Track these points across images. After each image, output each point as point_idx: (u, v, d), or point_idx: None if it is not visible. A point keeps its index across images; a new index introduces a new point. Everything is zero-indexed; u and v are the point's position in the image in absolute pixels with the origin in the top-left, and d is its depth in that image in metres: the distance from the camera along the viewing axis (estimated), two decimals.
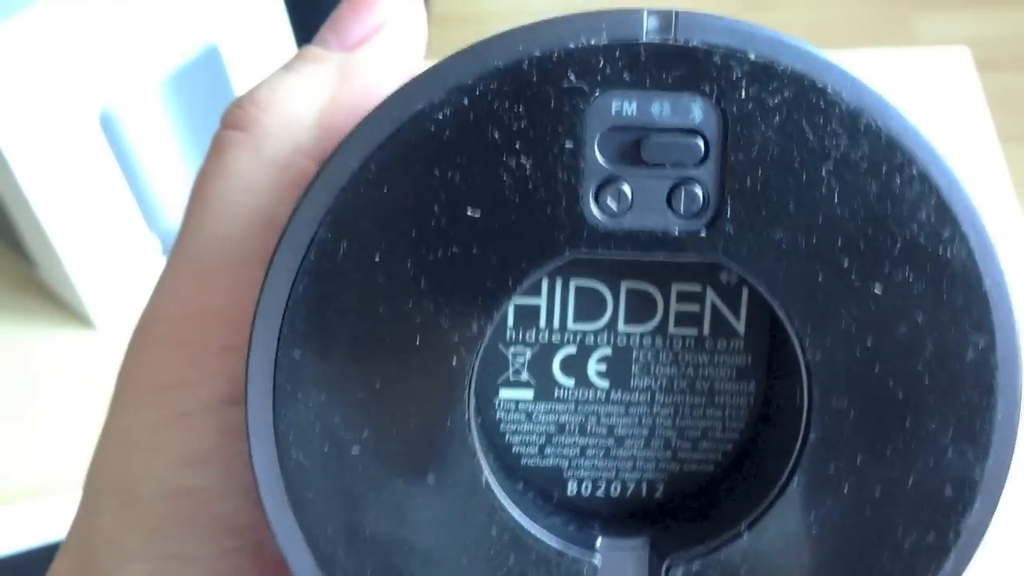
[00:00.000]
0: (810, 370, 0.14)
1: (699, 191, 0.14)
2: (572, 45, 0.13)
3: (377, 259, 0.14)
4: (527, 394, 0.16)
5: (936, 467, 0.14)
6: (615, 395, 0.16)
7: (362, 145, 0.14)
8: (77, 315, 0.49)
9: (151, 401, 0.16)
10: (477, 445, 0.14)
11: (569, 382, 0.16)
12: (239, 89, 0.46)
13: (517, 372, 0.16)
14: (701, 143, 0.14)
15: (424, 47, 0.17)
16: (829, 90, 0.13)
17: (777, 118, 0.14)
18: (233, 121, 0.17)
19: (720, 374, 0.16)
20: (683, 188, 0.14)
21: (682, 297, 0.16)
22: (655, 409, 0.16)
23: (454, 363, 0.14)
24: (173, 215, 0.48)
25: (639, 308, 0.16)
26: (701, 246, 0.14)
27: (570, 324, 0.16)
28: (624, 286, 0.16)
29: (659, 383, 0.16)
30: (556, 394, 0.16)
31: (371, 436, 0.14)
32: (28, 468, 0.45)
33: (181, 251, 0.17)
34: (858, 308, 0.14)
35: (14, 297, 0.50)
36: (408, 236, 0.14)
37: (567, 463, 0.16)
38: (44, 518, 0.44)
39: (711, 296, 0.16)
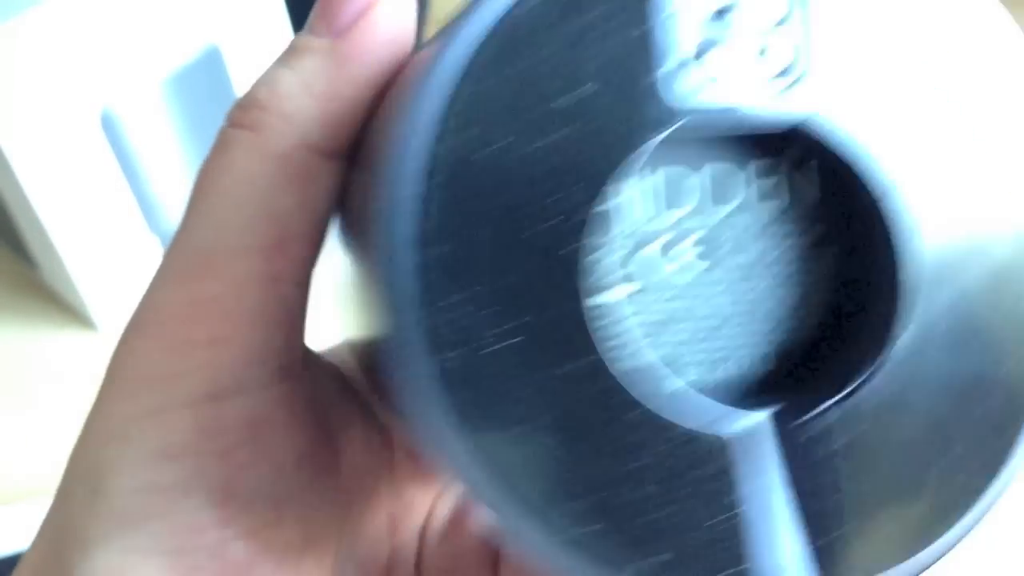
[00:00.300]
0: (895, 230, 0.15)
1: (785, 53, 0.15)
2: None
3: (492, 151, 0.14)
4: (633, 287, 0.16)
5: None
6: (714, 275, 0.16)
7: (465, 43, 0.14)
8: (79, 316, 0.49)
9: (131, 391, 0.16)
10: (595, 335, 0.14)
11: (670, 268, 0.16)
12: (240, 90, 0.46)
13: (621, 265, 0.16)
14: (785, 3, 0.15)
15: (415, 29, 0.17)
16: None
17: None
18: (237, 121, 0.17)
19: (804, 243, 0.16)
20: (769, 52, 0.15)
21: (761, 172, 0.16)
22: (753, 283, 0.16)
23: (569, 251, 0.14)
24: (174, 216, 0.48)
25: (724, 187, 0.16)
26: (790, 110, 0.15)
27: (663, 211, 0.16)
28: (708, 167, 0.16)
29: (752, 258, 0.16)
30: (660, 282, 0.16)
31: (502, 329, 0.14)
32: (29, 468, 0.45)
33: (179, 241, 0.17)
34: (950, 167, 0.15)
35: (16, 298, 0.51)
36: (515, 125, 0.14)
37: (679, 350, 0.16)
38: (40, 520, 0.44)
39: (786, 168, 0.16)
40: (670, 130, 0.14)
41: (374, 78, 0.17)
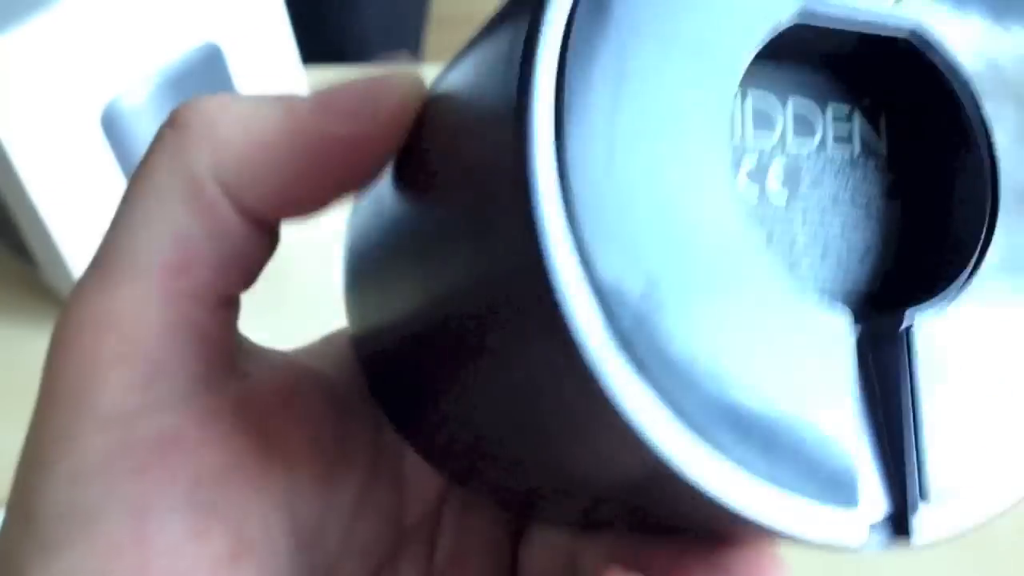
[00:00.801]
0: (991, 144, 0.15)
1: None
2: None
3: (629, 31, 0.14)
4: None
5: None
6: (793, 205, 0.16)
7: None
8: None
9: (47, 414, 0.16)
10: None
11: (752, 192, 0.16)
12: (240, 88, 0.46)
13: None
14: None
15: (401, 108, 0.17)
16: None
17: None
18: (172, 118, 0.17)
19: (874, 191, 0.17)
20: None
21: (835, 117, 0.17)
22: (826, 219, 0.16)
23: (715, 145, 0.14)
24: None
25: (805, 123, 0.17)
26: (903, 17, 0.15)
27: (749, 136, 0.16)
28: (791, 100, 0.17)
29: (826, 195, 0.16)
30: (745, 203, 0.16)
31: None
32: None
33: (96, 253, 0.17)
34: None
35: (16, 298, 0.51)
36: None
37: None
38: None
39: (857, 119, 0.17)
40: (794, 11, 0.14)
41: (321, 146, 0.16)
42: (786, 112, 0.17)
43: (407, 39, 0.80)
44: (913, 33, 0.15)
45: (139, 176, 0.17)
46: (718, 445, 0.12)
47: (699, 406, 0.12)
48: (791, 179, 0.16)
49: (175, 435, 0.16)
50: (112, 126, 0.43)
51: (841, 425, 0.13)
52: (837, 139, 0.17)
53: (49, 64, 0.40)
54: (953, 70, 0.15)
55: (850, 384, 0.14)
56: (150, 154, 0.17)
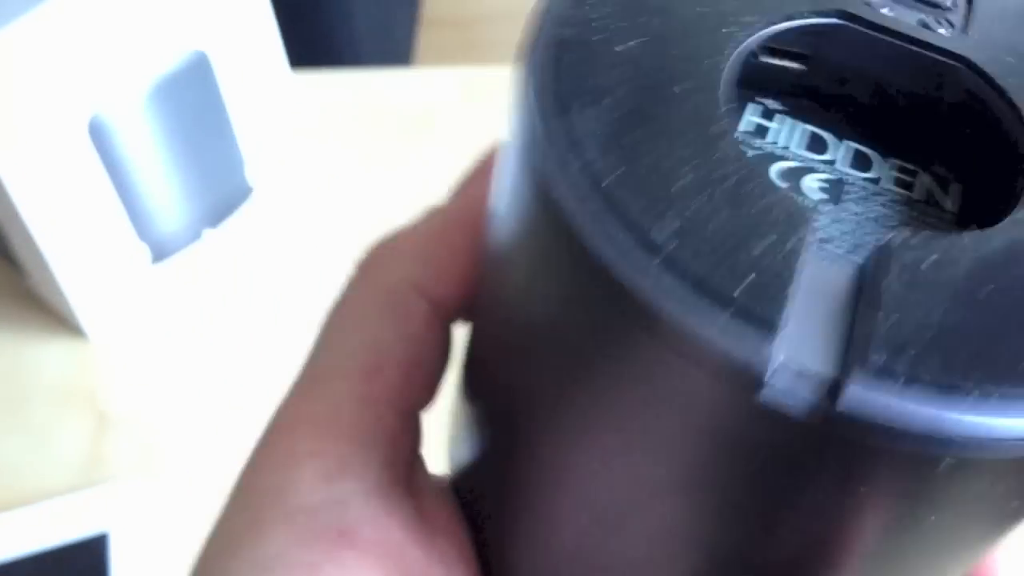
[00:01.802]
0: None
1: (949, 21, 0.16)
2: None
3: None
4: None
5: None
6: (828, 208, 0.16)
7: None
8: (69, 325, 0.49)
9: (243, 502, 0.18)
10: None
11: (785, 185, 0.16)
12: (228, 96, 0.46)
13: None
14: None
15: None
16: None
17: None
18: (359, 260, 0.19)
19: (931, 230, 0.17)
20: (935, 17, 0.16)
21: (900, 170, 0.17)
22: (866, 228, 0.16)
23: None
24: (162, 223, 0.48)
25: (860, 159, 0.17)
26: (952, 46, 0.16)
27: (796, 149, 0.17)
28: (848, 142, 0.17)
29: (868, 214, 0.16)
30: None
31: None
32: (19, 478, 0.45)
33: (302, 367, 0.19)
34: None
35: (5, 307, 0.50)
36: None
37: None
38: (34, 528, 0.43)
39: (925, 180, 0.17)
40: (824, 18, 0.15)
41: (477, 223, 0.19)
42: (842, 145, 0.17)
43: (398, 42, 0.80)
44: (968, 58, 0.16)
45: (335, 303, 0.19)
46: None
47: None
48: (833, 190, 0.16)
49: (351, 534, 0.17)
50: (100, 135, 0.43)
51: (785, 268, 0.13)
52: (897, 182, 0.17)
53: (35, 73, 0.40)
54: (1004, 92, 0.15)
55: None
56: (344, 287, 0.19)
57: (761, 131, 0.17)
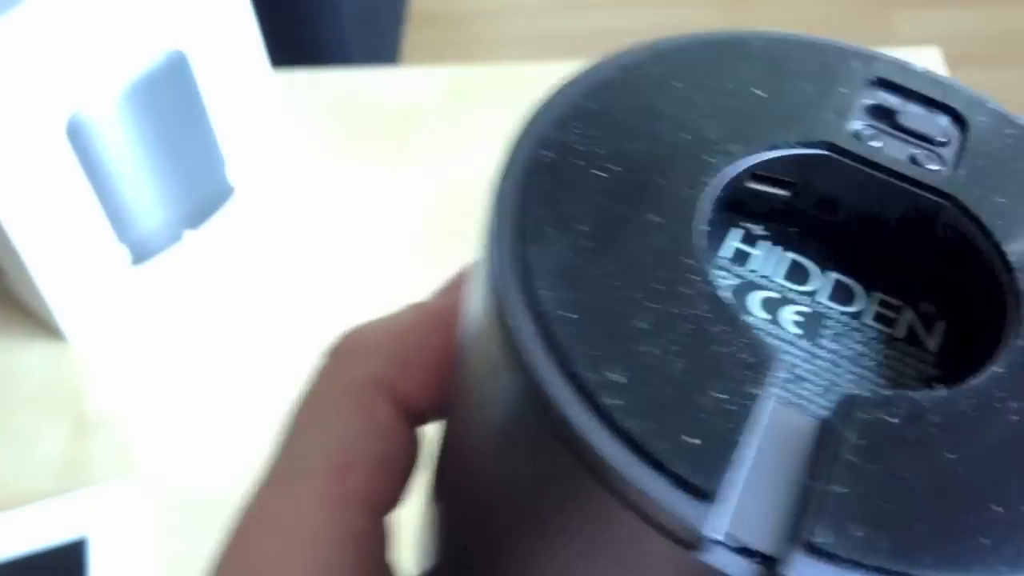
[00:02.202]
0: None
1: (940, 157, 0.16)
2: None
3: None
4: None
5: None
6: (803, 344, 0.16)
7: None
8: (48, 327, 0.49)
9: None
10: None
11: (763, 317, 0.16)
12: (208, 96, 0.46)
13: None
14: (948, 125, 0.16)
15: None
16: None
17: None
18: (328, 348, 0.19)
19: (908, 373, 0.16)
20: (925, 152, 0.16)
21: (883, 304, 0.16)
22: (839, 368, 0.16)
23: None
24: (142, 225, 0.48)
25: (842, 291, 0.16)
26: (940, 183, 0.15)
27: (776, 278, 0.16)
28: (833, 273, 0.16)
29: (846, 352, 0.16)
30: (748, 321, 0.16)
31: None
32: None
33: (268, 466, 0.18)
34: None
35: None
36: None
37: None
38: (12, 533, 0.43)
39: (909, 316, 0.16)
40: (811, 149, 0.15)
41: (448, 325, 0.18)
42: (824, 276, 0.16)
43: (385, 39, 0.79)
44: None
45: (302, 397, 0.19)
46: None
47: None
48: (809, 323, 0.16)
49: None
50: (78, 136, 0.42)
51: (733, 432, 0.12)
52: (878, 317, 0.16)
53: (11, 73, 0.39)
54: (992, 234, 0.15)
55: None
56: (312, 378, 0.19)
57: (742, 257, 0.16)
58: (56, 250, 0.44)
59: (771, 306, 0.16)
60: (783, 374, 0.15)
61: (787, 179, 0.16)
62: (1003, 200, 0.15)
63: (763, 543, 0.12)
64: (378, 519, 0.18)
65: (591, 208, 0.14)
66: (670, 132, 0.16)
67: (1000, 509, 0.12)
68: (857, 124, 0.16)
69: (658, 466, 0.12)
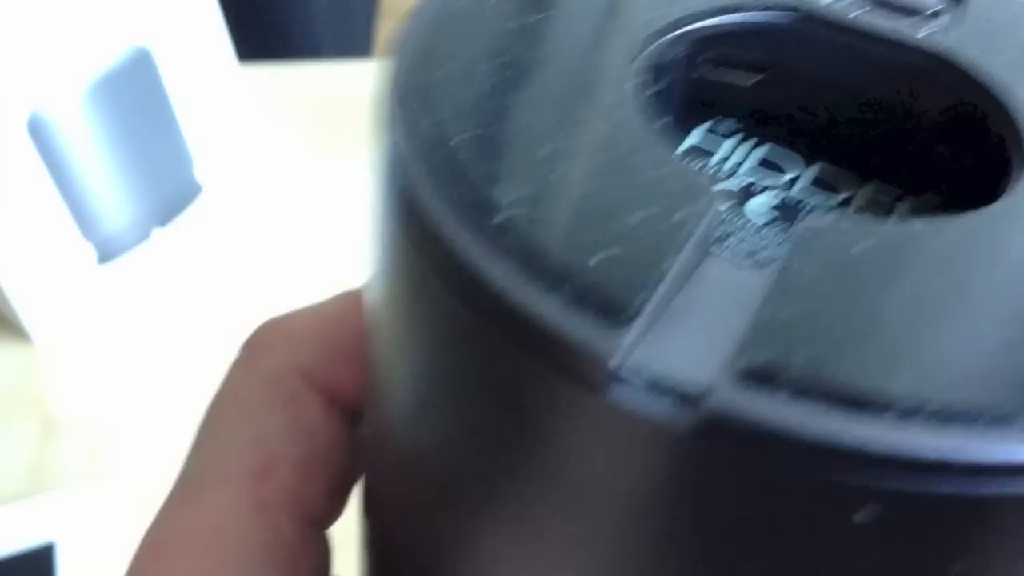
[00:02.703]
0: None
1: (932, 28, 0.14)
2: None
3: None
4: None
5: None
6: (771, 233, 0.13)
7: None
8: (13, 329, 0.48)
9: None
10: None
11: (723, 207, 0.14)
12: (173, 93, 0.45)
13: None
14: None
15: None
16: None
17: None
18: (245, 341, 0.17)
19: None
20: (914, 22, 0.14)
21: (879, 193, 0.14)
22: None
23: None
24: (108, 223, 0.47)
25: (827, 183, 0.14)
26: (932, 46, 0.13)
27: (744, 169, 0.14)
28: (817, 165, 0.14)
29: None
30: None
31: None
32: None
33: (181, 472, 0.17)
34: None
35: None
36: None
37: None
38: None
39: (906, 207, 0.14)
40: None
41: None
42: (809, 168, 0.14)
43: (357, 32, 0.79)
44: (946, 54, 0.13)
45: (217, 393, 0.17)
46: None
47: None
48: (785, 214, 0.13)
49: None
50: (39, 133, 0.42)
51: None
52: (871, 206, 0.14)
53: None
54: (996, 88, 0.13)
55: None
56: (227, 372, 0.17)
57: (705, 154, 0.14)
58: (20, 249, 0.44)
59: (738, 197, 0.14)
60: (732, 220, 0.13)
61: (752, 59, 0.14)
62: (1009, 59, 0.13)
63: (689, 375, 0.09)
64: (310, 529, 0.16)
65: (508, 46, 0.13)
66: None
67: (993, 340, 0.10)
68: None
69: (562, 275, 0.10)
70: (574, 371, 0.10)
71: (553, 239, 0.10)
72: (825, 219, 0.11)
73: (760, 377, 0.09)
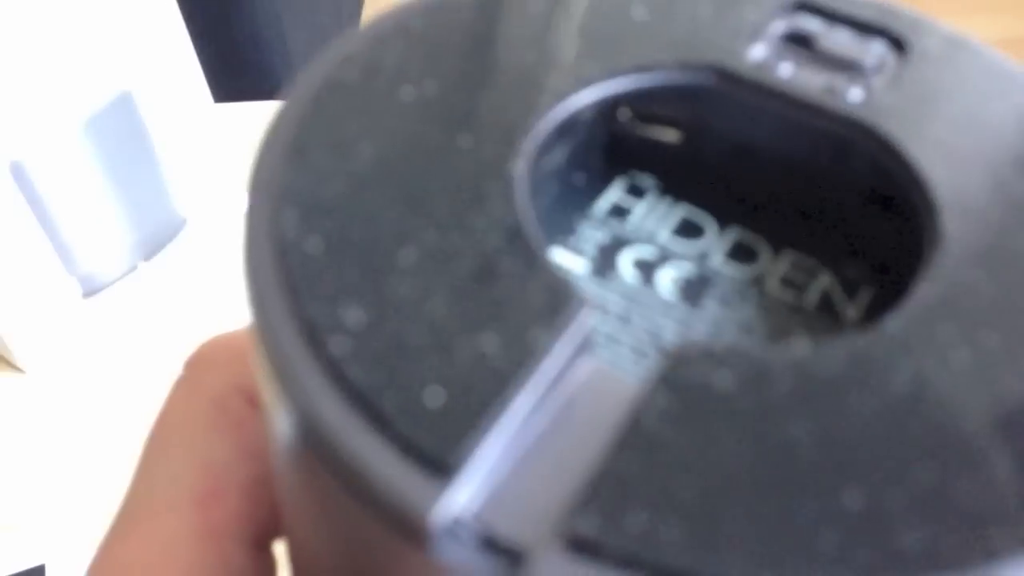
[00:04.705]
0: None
1: (869, 86, 0.13)
2: None
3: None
4: (582, 264, 0.13)
5: None
6: (677, 311, 0.13)
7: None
8: (5, 361, 0.49)
9: None
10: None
11: (632, 279, 0.13)
12: (154, 134, 0.47)
13: (583, 242, 0.13)
14: (883, 51, 0.13)
15: None
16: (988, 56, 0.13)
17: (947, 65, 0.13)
18: (187, 359, 0.16)
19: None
20: (849, 80, 0.13)
21: (795, 266, 0.13)
22: (720, 336, 0.13)
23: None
24: (91, 258, 0.49)
25: (743, 253, 0.13)
26: (856, 112, 0.13)
27: (661, 236, 0.13)
28: (733, 231, 0.14)
29: (735, 320, 0.13)
30: (612, 282, 0.13)
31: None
32: None
33: (123, 500, 0.16)
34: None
35: None
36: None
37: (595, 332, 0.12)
38: None
39: (826, 280, 0.13)
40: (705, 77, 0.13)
41: None
42: (724, 234, 0.13)
43: None
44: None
45: (160, 413, 0.16)
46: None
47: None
48: (693, 289, 0.13)
49: None
50: (22, 176, 0.43)
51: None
52: (787, 281, 0.13)
53: None
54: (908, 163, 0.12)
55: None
56: (170, 392, 0.16)
57: (622, 212, 0.14)
58: (7, 285, 0.45)
59: (645, 267, 0.13)
60: (605, 328, 0.12)
61: (672, 116, 0.14)
62: (936, 131, 0.12)
63: (515, 533, 0.09)
64: (259, 552, 0.15)
65: (385, 130, 0.12)
66: (511, 53, 0.13)
67: (851, 501, 0.09)
68: (762, 50, 0.13)
69: (382, 427, 0.09)
70: (397, 524, 0.09)
71: (386, 373, 0.09)
72: (695, 345, 0.10)
73: (586, 546, 0.09)
